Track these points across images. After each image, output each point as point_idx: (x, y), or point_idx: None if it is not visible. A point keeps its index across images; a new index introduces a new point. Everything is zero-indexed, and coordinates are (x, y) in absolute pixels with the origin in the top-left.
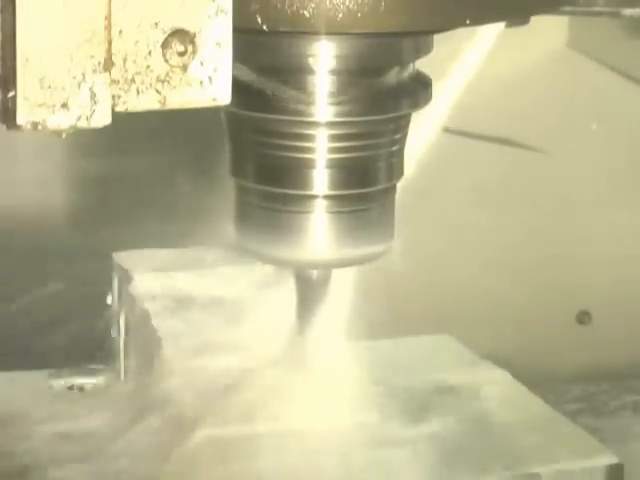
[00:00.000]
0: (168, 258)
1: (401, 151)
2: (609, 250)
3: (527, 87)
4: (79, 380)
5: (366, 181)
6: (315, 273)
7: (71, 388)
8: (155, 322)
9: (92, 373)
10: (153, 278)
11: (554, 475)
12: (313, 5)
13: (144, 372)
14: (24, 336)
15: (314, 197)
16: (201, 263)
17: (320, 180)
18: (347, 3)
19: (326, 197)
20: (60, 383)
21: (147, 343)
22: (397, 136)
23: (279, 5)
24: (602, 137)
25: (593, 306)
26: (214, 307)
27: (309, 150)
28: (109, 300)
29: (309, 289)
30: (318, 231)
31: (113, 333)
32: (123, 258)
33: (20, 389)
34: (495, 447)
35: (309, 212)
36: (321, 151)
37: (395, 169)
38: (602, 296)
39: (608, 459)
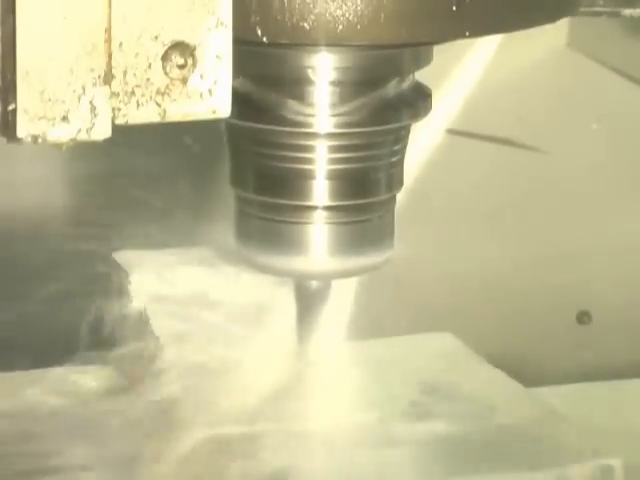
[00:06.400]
0: (168, 258)
1: (401, 162)
2: (609, 250)
3: (527, 87)
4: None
5: (366, 192)
6: (315, 283)
7: None
8: (154, 322)
9: (91, 372)
10: (153, 278)
11: (554, 475)
12: (313, 17)
13: (143, 372)
14: (23, 337)
15: (314, 208)
16: (201, 263)
17: (320, 191)
18: (347, 15)
19: (326, 208)
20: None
21: (146, 343)
22: (397, 147)
23: (279, 17)
24: (602, 137)
25: (593, 306)
26: (214, 307)
27: (309, 161)
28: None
29: (309, 300)
30: (318, 242)
31: (112, 333)
32: (123, 258)
33: (21, 388)
34: (494, 447)
35: (309, 223)
36: (321, 162)
37: (395, 180)
38: (602, 296)
39: (608, 459)
